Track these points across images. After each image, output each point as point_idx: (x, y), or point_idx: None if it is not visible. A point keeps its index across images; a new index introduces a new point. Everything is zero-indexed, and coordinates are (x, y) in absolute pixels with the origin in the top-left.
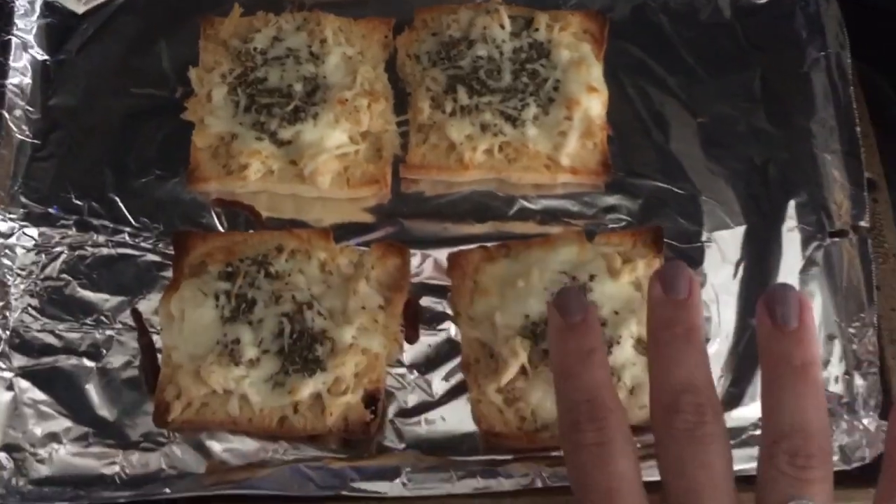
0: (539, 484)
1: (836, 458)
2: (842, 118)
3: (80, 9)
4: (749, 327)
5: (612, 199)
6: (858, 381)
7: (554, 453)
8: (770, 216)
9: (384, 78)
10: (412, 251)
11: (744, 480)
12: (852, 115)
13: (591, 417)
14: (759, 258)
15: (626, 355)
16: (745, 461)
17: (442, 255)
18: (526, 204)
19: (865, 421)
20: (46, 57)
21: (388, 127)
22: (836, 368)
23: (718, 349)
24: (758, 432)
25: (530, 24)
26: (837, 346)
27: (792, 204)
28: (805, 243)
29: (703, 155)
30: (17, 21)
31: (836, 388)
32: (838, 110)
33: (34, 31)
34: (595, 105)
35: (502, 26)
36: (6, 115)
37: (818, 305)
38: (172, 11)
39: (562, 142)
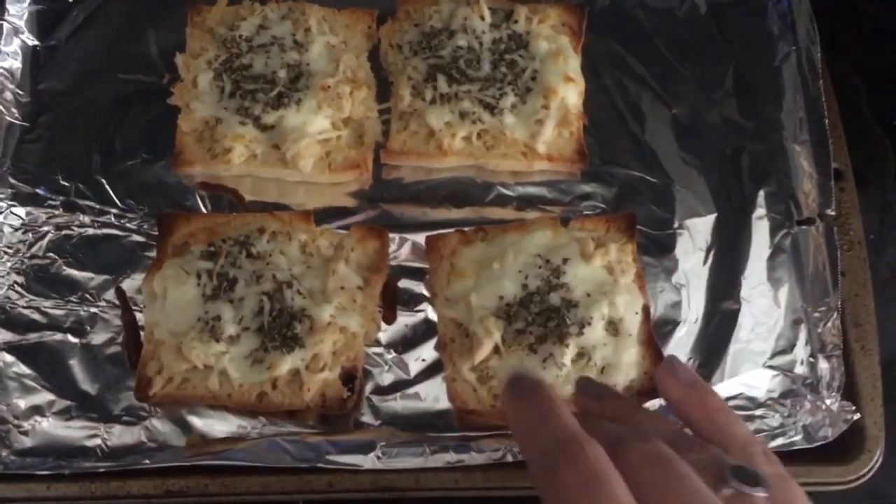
0: (509, 458)
1: (799, 436)
2: (811, 110)
3: None
4: (718, 311)
5: (587, 187)
6: (822, 364)
7: None
8: (740, 205)
9: (367, 66)
10: (391, 235)
11: None
12: (821, 108)
13: (567, 455)
14: (729, 245)
15: (597, 336)
16: None
17: (420, 238)
18: (503, 190)
19: (828, 401)
20: (37, 42)
21: (370, 114)
22: (801, 351)
23: (688, 331)
24: None
25: (510, 17)
26: (803, 330)
27: (762, 193)
28: (773, 231)
29: (677, 145)
30: (8, 7)
31: (801, 370)
32: (808, 103)
33: (25, 16)
34: (572, 95)
35: (482, 17)
36: None
37: (785, 291)
38: (160, 0)
39: (538, 130)
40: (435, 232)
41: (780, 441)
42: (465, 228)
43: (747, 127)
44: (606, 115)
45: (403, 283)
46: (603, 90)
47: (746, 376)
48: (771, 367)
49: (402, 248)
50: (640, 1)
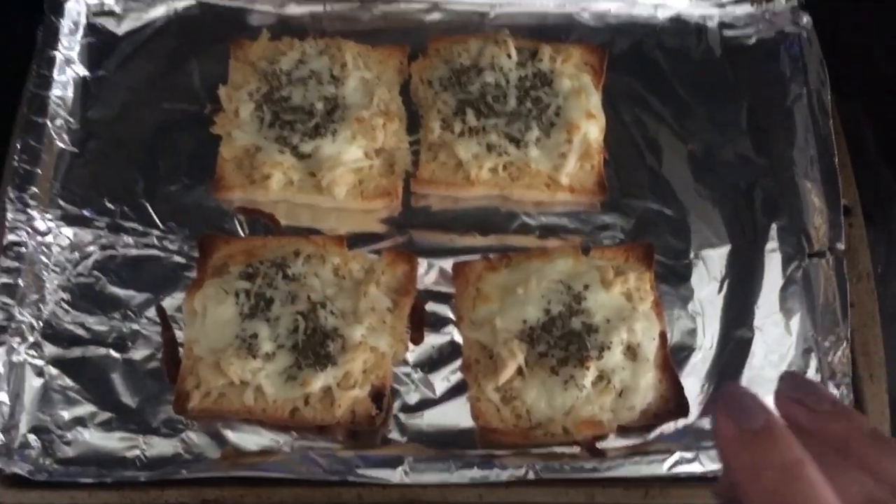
0: (532, 476)
1: None
2: (821, 149)
3: (119, 30)
4: (732, 339)
5: (607, 218)
6: (832, 391)
7: (545, 450)
8: (753, 237)
9: (398, 100)
10: (420, 260)
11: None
12: (831, 146)
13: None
14: (742, 276)
15: (616, 360)
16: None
17: (447, 264)
18: (527, 219)
19: None
20: (87, 73)
21: (401, 145)
22: (812, 379)
23: (703, 357)
24: None
25: (535, 55)
26: (814, 359)
27: (774, 227)
28: (786, 263)
29: (693, 179)
30: (62, 39)
31: None
32: (818, 141)
33: (77, 49)
34: (593, 130)
35: (509, 56)
36: (49, 123)
37: (797, 320)
38: (204, 35)
39: (561, 163)
40: (461, 258)
41: None
42: (491, 255)
43: (760, 163)
44: (626, 150)
45: (430, 307)
46: (622, 126)
47: None
48: None
49: (430, 272)
50: (659, 43)
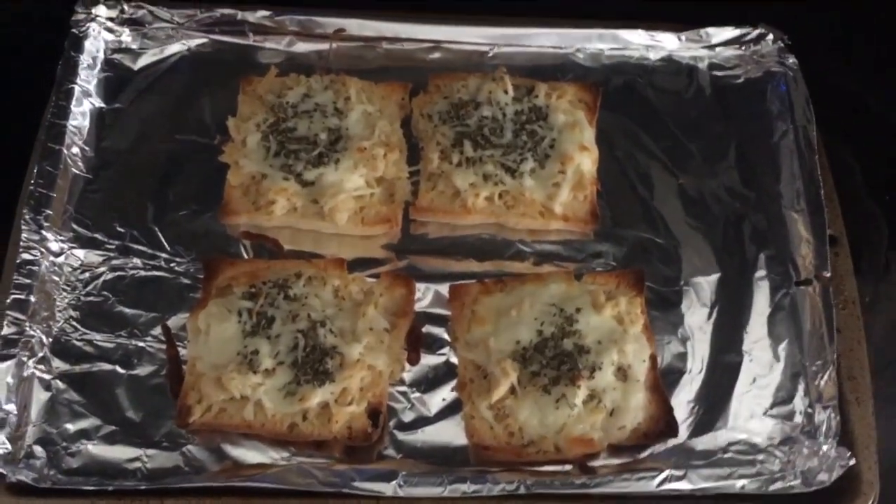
0: (523, 491)
1: (797, 481)
2: (807, 182)
3: (135, 66)
4: (721, 363)
5: (599, 246)
6: (820, 414)
7: (537, 468)
8: (742, 266)
9: (399, 132)
10: (417, 284)
11: (714, 498)
12: (817, 180)
13: None
14: (731, 303)
15: (607, 380)
16: (714, 480)
17: (444, 288)
18: (522, 247)
19: (825, 448)
20: (103, 105)
21: (401, 174)
22: (800, 402)
23: (692, 380)
24: (727, 455)
25: (531, 92)
26: (802, 382)
27: (762, 256)
28: (773, 291)
29: (683, 211)
30: (80, 73)
31: (800, 419)
32: (804, 175)
33: (94, 82)
34: (586, 162)
35: (506, 91)
36: (65, 151)
37: (785, 346)
38: (215, 71)
39: (555, 192)
40: (458, 282)
41: (779, 485)
42: (486, 280)
43: (748, 196)
44: (618, 182)
45: (427, 328)
46: (615, 160)
47: (748, 424)
48: (771, 416)
49: (427, 295)
50: (651, 82)
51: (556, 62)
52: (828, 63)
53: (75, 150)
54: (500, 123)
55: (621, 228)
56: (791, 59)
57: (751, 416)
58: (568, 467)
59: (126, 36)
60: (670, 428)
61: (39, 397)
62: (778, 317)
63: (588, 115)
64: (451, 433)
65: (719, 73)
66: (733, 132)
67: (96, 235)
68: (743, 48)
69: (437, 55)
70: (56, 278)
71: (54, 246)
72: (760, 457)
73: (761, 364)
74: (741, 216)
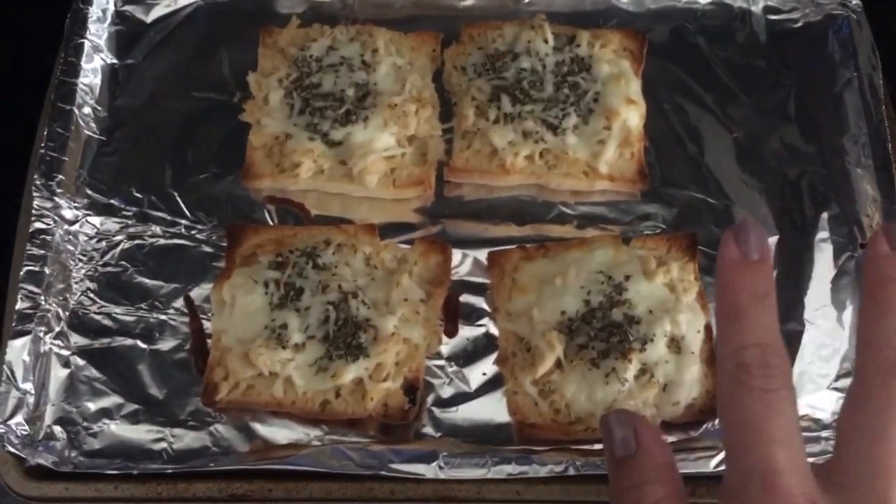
0: (572, 472)
1: None
2: (873, 135)
3: (148, 18)
4: (781, 332)
5: (647, 208)
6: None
7: (586, 447)
8: (802, 228)
9: (431, 87)
10: (453, 250)
11: None
12: (884, 133)
13: (762, 363)
14: (791, 267)
15: (660, 353)
16: None
17: (482, 254)
18: (564, 209)
19: None
20: (115, 61)
21: (434, 132)
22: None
23: None
24: None
25: (572, 41)
26: None
27: (824, 216)
28: (837, 254)
29: (738, 168)
30: (90, 26)
31: None
32: (870, 128)
33: (105, 36)
34: (633, 117)
35: (546, 41)
36: (76, 111)
37: (849, 313)
38: (233, 23)
39: (600, 150)
40: (497, 248)
41: None
42: (527, 245)
43: (808, 152)
44: (666, 138)
45: (465, 298)
46: (663, 114)
47: (811, 398)
48: (836, 389)
49: (464, 263)
50: (701, 27)
51: (598, 8)
52: (891, 3)
53: (87, 109)
54: (540, 76)
55: (671, 188)
56: (854, 0)
57: (814, 389)
58: None
59: None
60: None
61: (58, 375)
62: (842, 282)
63: (634, 65)
64: (492, 410)
65: (775, 17)
66: (791, 82)
67: (112, 201)
68: None
69: (469, 2)
70: (71, 248)
71: (68, 213)
72: (825, 433)
73: (824, 333)
74: (801, 173)
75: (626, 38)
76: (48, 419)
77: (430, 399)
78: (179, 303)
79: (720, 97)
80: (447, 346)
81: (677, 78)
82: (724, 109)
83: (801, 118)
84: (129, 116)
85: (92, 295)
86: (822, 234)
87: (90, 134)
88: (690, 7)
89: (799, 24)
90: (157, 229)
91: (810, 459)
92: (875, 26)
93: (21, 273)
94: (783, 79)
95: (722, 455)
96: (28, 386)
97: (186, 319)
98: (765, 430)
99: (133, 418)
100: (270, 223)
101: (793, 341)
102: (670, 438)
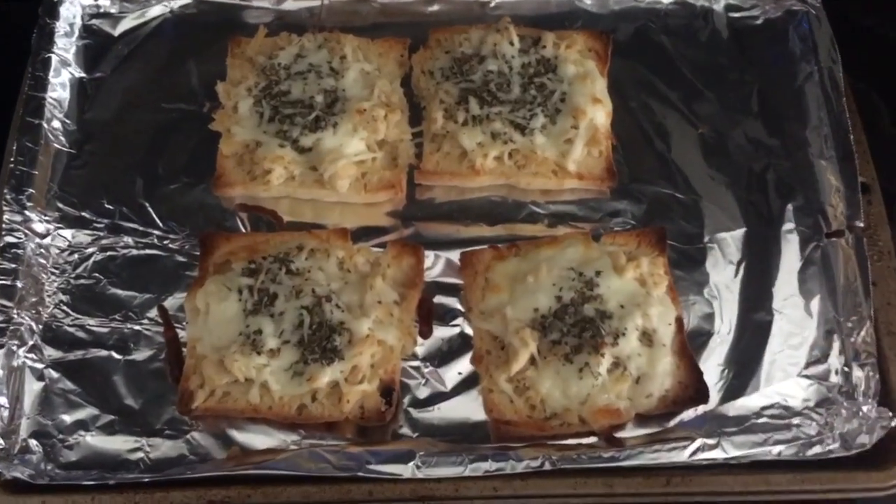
0: (548, 467)
1: (836, 444)
2: (835, 126)
3: (115, 31)
4: (750, 323)
5: (617, 204)
6: (857, 373)
7: (562, 441)
8: (769, 219)
9: (400, 91)
10: (426, 252)
11: (748, 467)
12: (845, 123)
13: None
14: (759, 259)
15: (632, 346)
16: (748, 447)
17: (454, 255)
18: (535, 208)
19: (865, 409)
20: (83, 74)
21: (404, 136)
22: (835, 361)
23: (721, 342)
24: (761, 420)
25: (538, 42)
26: (836, 340)
27: (790, 208)
28: (803, 244)
29: (704, 163)
30: (57, 41)
31: (836, 379)
32: (832, 119)
33: (73, 50)
34: (600, 115)
35: (512, 43)
36: (45, 125)
37: (817, 302)
38: (201, 34)
39: (568, 149)
40: (469, 249)
41: (817, 449)
42: (499, 245)
43: (773, 145)
44: (634, 136)
45: (438, 299)
46: (629, 112)
47: (781, 386)
48: (806, 376)
49: (437, 264)
50: (664, 26)
51: (563, 10)
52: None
53: (56, 123)
54: (507, 77)
55: (639, 184)
56: None
57: (784, 377)
58: (593, 440)
59: None
60: (700, 394)
61: (32, 388)
62: (809, 271)
63: (599, 64)
64: (468, 408)
65: (736, 15)
66: (754, 77)
67: (84, 214)
68: None
69: (435, 7)
70: (43, 261)
71: (39, 227)
72: (796, 420)
73: (793, 322)
74: (766, 166)
75: (591, 38)
76: (23, 432)
77: (406, 400)
78: (153, 313)
79: (685, 94)
80: (422, 347)
81: (642, 76)
82: (689, 106)
83: (765, 112)
84: (98, 129)
85: (65, 307)
86: (789, 224)
87: (60, 147)
88: (653, 7)
89: (760, 21)
90: (130, 240)
91: (781, 446)
92: (834, 21)
93: None
94: (746, 75)
95: (696, 444)
96: (2, 400)
97: (161, 329)
98: None
99: (109, 429)
100: (243, 231)
101: (763, 331)
102: (644, 430)
